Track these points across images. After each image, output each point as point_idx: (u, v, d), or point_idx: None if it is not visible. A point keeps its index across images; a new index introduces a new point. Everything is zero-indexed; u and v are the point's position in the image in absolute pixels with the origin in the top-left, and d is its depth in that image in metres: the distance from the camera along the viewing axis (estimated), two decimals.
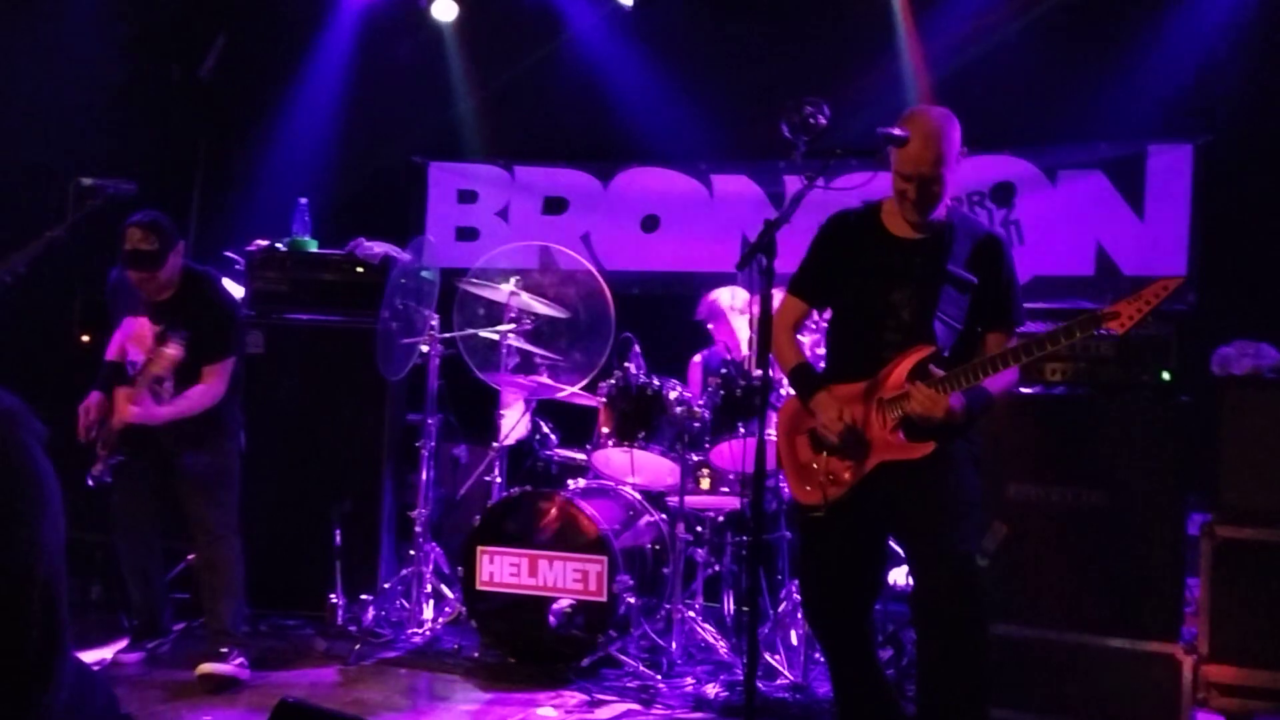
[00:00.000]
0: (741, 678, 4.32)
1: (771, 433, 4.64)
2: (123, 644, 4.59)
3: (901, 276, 3.28)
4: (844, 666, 3.43)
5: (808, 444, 3.38)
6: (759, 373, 3.09)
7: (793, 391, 3.51)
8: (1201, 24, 5.32)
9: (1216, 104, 5.29)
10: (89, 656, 4.40)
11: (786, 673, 4.42)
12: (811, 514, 3.32)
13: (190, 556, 5.11)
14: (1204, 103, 5.32)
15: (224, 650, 4.31)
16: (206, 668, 4.25)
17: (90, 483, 4.28)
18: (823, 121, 3.18)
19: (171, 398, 4.31)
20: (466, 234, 6.54)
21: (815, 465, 3.33)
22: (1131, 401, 4.13)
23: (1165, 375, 4.06)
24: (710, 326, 5.23)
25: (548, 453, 5.18)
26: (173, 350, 4.15)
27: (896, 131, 3.10)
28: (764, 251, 2.91)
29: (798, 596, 4.49)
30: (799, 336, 3.68)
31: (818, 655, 4.37)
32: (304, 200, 5.48)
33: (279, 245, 5.35)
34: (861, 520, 3.30)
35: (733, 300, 5.08)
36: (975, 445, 3.39)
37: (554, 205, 6.50)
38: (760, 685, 4.34)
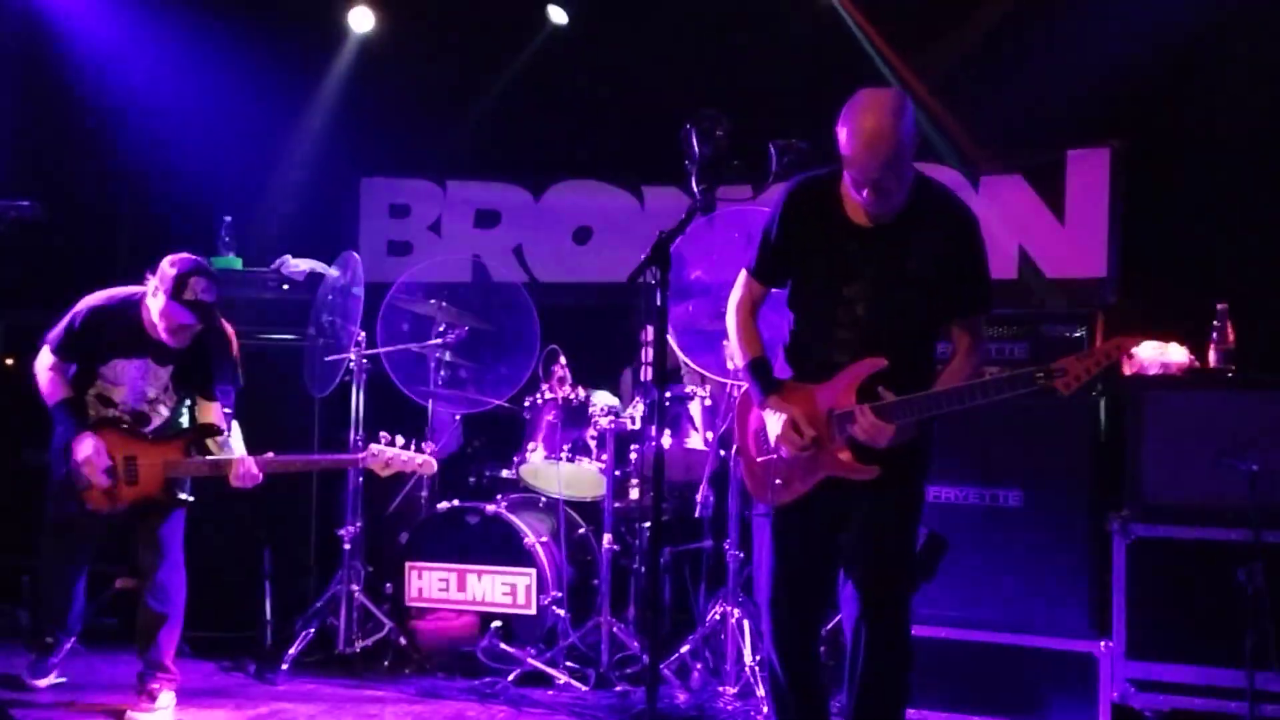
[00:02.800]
0: (671, 689, 4.36)
1: (708, 436, 4.71)
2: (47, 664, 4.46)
3: (858, 270, 3.10)
4: (785, 662, 3.30)
5: (761, 441, 3.26)
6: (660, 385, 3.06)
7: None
8: (1117, 29, 5.41)
9: (1132, 108, 5.37)
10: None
11: (717, 683, 4.43)
12: (760, 511, 3.29)
13: (119, 582, 5.08)
14: (1121, 107, 5.40)
15: (155, 687, 4.22)
16: (134, 718, 4.15)
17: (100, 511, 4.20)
18: (721, 133, 3.17)
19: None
20: (399, 248, 6.52)
21: (767, 465, 3.24)
22: (1047, 403, 4.19)
23: None
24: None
25: (477, 466, 5.17)
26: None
27: (797, 143, 3.11)
28: (657, 265, 2.91)
29: (727, 606, 4.53)
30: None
31: (747, 667, 4.40)
32: (228, 218, 5.44)
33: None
34: (810, 525, 3.23)
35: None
36: (925, 466, 3.25)
37: (486, 219, 6.51)
38: (687, 696, 4.38)
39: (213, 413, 4.30)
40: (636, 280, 3.00)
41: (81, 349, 4.27)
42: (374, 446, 4.32)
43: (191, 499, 4.28)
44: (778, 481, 3.16)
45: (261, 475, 4.23)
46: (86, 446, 4.13)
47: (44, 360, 4.28)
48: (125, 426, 4.23)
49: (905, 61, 5.71)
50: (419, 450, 4.36)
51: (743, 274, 3.36)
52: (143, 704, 4.19)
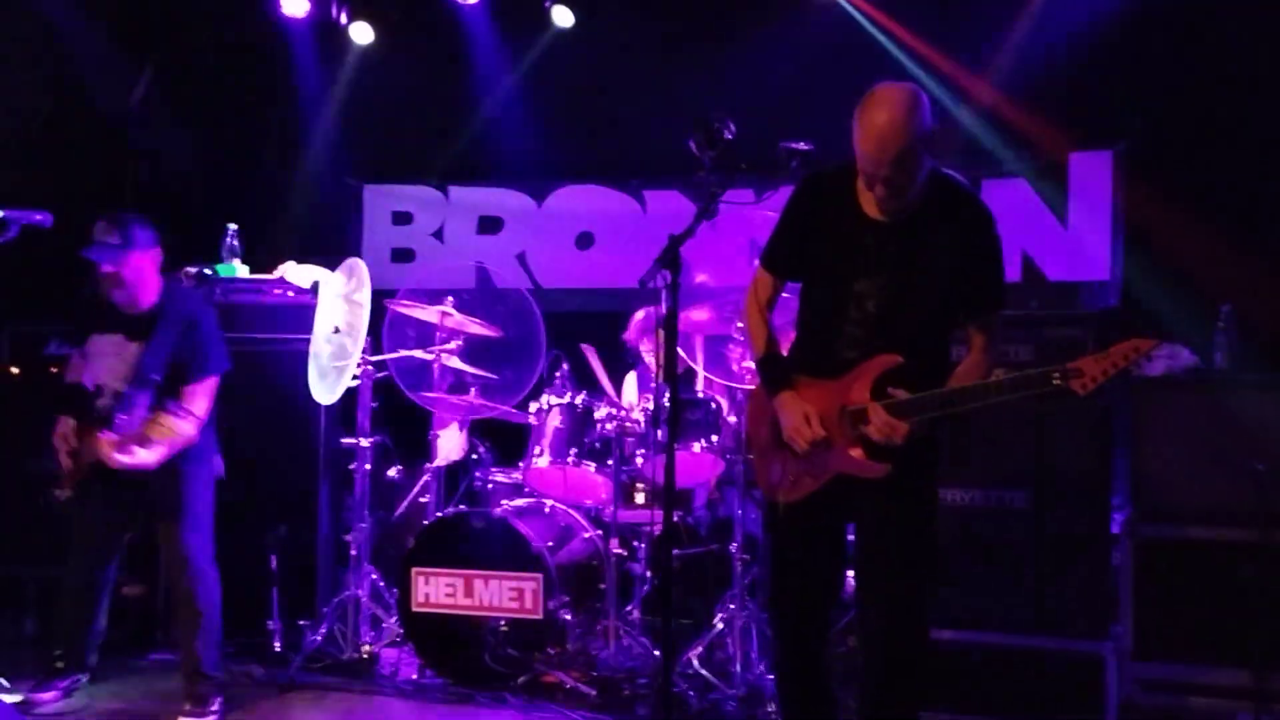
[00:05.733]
0: (679, 692, 4.36)
1: (715, 440, 4.71)
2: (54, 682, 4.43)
3: (869, 266, 3.06)
4: (795, 665, 3.30)
5: (772, 437, 3.22)
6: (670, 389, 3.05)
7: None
8: (1122, 33, 5.44)
9: (1134, 111, 5.39)
10: (16, 696, 4.32)
11: (723, 686, 4.43)
12: (772, 508, 3.27)
13: (126, 589, 5.08)
14: (1122, 110, 5.42)
15: (202, 693, 4.22)
16: None
17: (55, 499, 4.25)
18: (728, 135, 3.17)
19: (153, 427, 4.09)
20: (402, 255, 6.54)
21: (778, 463, 3.22)
22: (1052, 404, 4.20)
23: None
24: (641, 345, 5.27)
25: (482, 472, 5.18)
26: (179, 425, 4.03)
27: (801, 146, 3.11)
28: (668, 267, 2.91)
29: (733, 610, 4.53)
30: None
31: (755, 670, 4.40)
32: (233, 227, 5.45)
33: (206, 271, 5.32)
34: (820, 523, 3.21)
35: (646, 318, 5.13)
36: (935, 466, 3.21)
37: (489, 225, 6.52)
38: (693, 697, 4.38)
39: (183, 398, 4.18)
40: (646, 284, 2.99)
41: (78, 332, 4.33)
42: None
43: (64, 493, 4.26)
44: (789, 478, 3.16)
45: (118, 455, 4.04)
46: (58, 429, 4.27)
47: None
48: (86, 415, 4.23)
49: (912, 62, 5.73)
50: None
51: (757, 269, 3.33)
52: (192, 711, 4.19)
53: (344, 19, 6.26)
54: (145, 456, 4.05)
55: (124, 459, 4.03)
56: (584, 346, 5.27)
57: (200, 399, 4.22)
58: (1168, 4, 5.26)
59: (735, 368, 4.70)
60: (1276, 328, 4.57)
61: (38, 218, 3.59)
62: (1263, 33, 5.06)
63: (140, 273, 4.24)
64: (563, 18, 6.14)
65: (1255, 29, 5.07)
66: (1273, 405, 4.09)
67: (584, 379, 5.09)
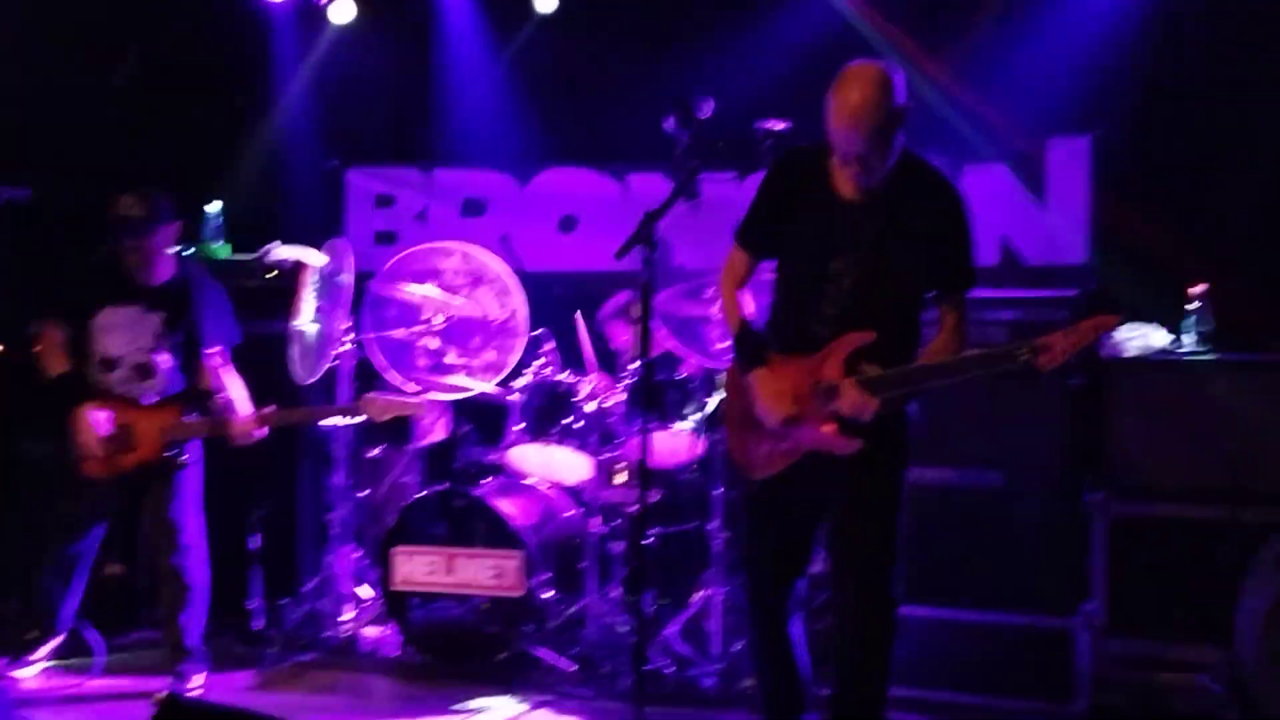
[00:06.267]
0: (658, 668, 4.40)
1: (687, 425, 4.75)
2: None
3: (843, 244, 3.09)
4: (767, 637, 3.36)
5: (747, 413, 3.25)
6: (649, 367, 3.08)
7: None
8: (1098, 20, 5.48)
9: (1113, 97, 5.44)
10: None
11: (702, 661, 4.48)
12: (746, 483, 3.32)
13: (107, 569, 5.09)
14: (1101, 96, 5.47)
15: (184, 669, 4.26)
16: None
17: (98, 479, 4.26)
18: (705, 115, 3.20)
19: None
20: (385, 238, 6.53)
21: (752, 437, 3.26)
22: (1026, 384, 4.25)
23: None
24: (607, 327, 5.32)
25: (464, 452, 5.20)
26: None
27: (778, 125, 3.15)
28: (644, 243, 2.94)
29: (712, 587, 4.58)
30: None
31: (734, 647, 4.45)
32: (215, 206, 5.46)
33: (189, 251, 5.32)
34: (794, 496, 3.25)
35: (613, 310, 5.18)
36: (907, 445, 3.26)
37: (473, 208, 6.52)
38: (674, 673, 4.43)
39: (208, 371, 4.33)
40: (622, 256, 3.03)
41: (73, 301, 4.35)
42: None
43: (186, 459, 4.30)
44: (763, 453, 3.20)
45: (264, 430, 4.27)
46: (83, 416, 4.21)
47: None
48: (121, 394, 4.28)
49: (892, 50, 5.75)
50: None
51: (732, 247, 3.36)
52: (174, 686, 4.22)
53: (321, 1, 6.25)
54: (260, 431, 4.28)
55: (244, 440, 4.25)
56: (576, 316, 5.31)
57: (230, 361, 4.37)
58: None
59: (713, 349, 4.74)
60: (1247, 309, 4.62)
61: (18, 194, 3.62)
62: (1238, 22, 5.11)
63: (164, 245, 4.33)
64: (545, 3, 6.15)
65: (1231, 20, 5.13)
66: (1243, 385, 4.14)
67: (568, 358, 5.11)
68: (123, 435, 4.24)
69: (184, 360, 4.33)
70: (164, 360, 4.30)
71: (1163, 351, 4.33)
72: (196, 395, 4.30)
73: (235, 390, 4.33)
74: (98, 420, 4.22)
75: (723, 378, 3.45)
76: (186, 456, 4.32)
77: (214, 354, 4.34)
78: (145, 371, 4.28)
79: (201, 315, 4.33)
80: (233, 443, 4.27)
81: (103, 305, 4.32)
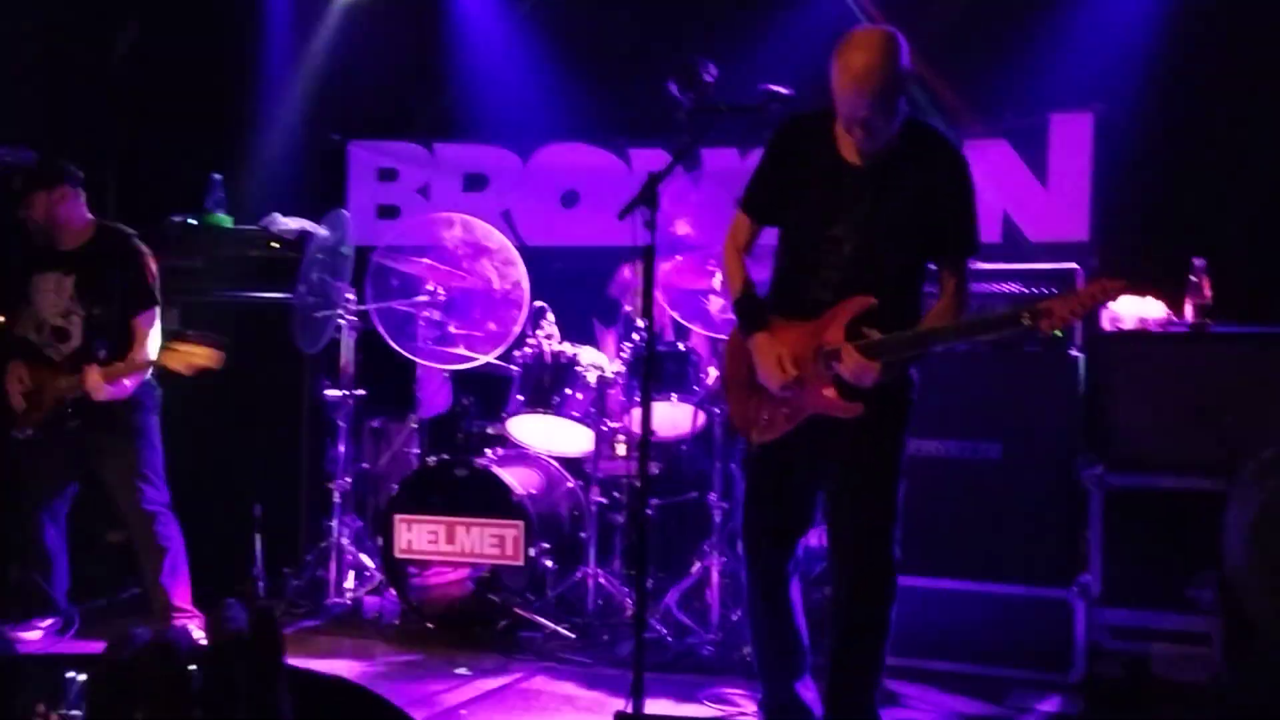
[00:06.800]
0: (657, 636, 4.43)
1: (695, 389, 4.77)
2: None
3: (846, 209, 3.10)
4: (766, 601, 3.37)
5: (749, 377, 3.26)
6: (650, 331, 3.08)
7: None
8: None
9: (1114, 75, 5.44)
10: None
11: (700, 630, 4.51)
12: (747, 446, 3.33)
13: (111, 536, 5.12)
14: (1103, 73, 5.47)
15: (178, 626, 4.26)
16: None
17: (18, 436, 4.37)
18: (708, 79, 3.20)
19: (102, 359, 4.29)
20: (387, 212, 6.54)
21: (753, 402, 3.27)
22: (1025, 357, 4.28)
23: (1057, 332, 4.19)
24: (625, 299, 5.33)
25: (466, 423, 5.22)
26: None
27: (781, 90, 3.15)
28: (646, 204, 2.95)
29: (711, 558, 4.60)
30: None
31: (732, 615, 4.48)
32: (218, 176, 5.47)
33: (191, 221, 5.35)
34: (794, 460, 3.26)
35: (634, 273, 5.17)
36: (907, 412, 3.27)
37: (474, 182, 6.53)
38: (673, 641, 4.47)
39: (133, 334, 4.35)
40: (625, 217, 3.04)
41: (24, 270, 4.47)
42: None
43: (75, 424, 4.34)
44: (764, 417, 3.22)
45: (115, 387, 4.25)
46: (8, 375, 4.42)
47: None
48: (46, 356, 4.39)
49: (893, 23, 5.75)
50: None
51: (736, 213, 3.37)
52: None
53: None
54: (125, 387, 4.25)
55: (107, 386, 4.21)
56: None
57: (151, 326, 4.36)
58: None
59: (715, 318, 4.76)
60: (1246, 281, 4.64)
61: (23, 155, 3.65)
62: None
63: (63, 210, 4.36)
64: None
65: None
66: (1241, 358, 4.16)
67: (568, 330, 5.12)
68: (34, 395, 4.39)
69: (110, 323, 4.36)
70: (74, 323, 4.36)
71: (1162, 323, 4.35)
72: (92, 356, 4.31)
73: (135, 351, 4.32)
74: (14, 379, 4.40)
75: (726, 342, 3.44)
76: (77, 422, 4.34)
77: (138, 318, 4.35)
78: (61, 334, 4.38)
79: (108, 273, 4.36)
80: (91, 398, 4.26)
81: (31, 271, 4.45)
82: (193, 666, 2.21)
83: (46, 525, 4.49)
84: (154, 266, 4.45)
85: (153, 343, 4.34)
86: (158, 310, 4.40)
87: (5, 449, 4.88)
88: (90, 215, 4.49)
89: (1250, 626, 3.50)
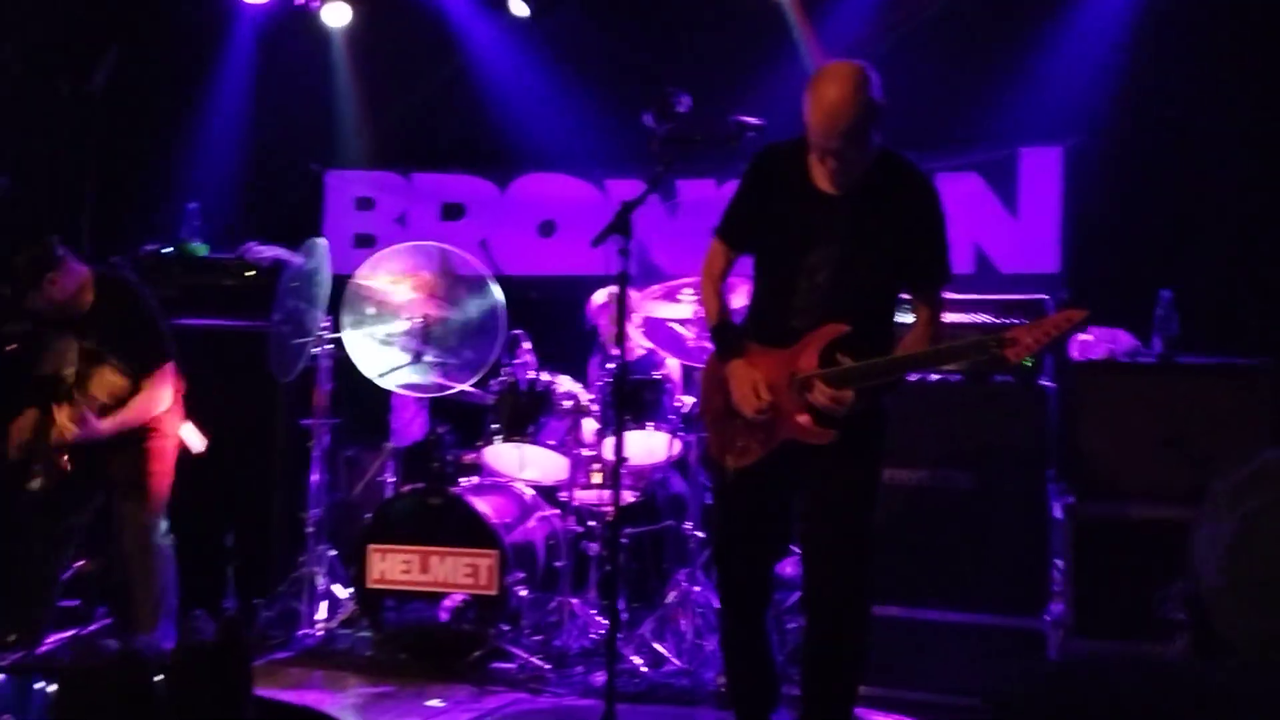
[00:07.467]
0: (631, 666, 4.42)
1: (670, 418, 4.78)
2: None
3: (820, 238, 3.15)
4: (739, 629, 3.38)
5: (724, 404, 3.29)
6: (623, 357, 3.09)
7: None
8: (1070, 33, 5.59)
9: (1083, 109, 5.53)
10: None
11: (674, 660, 4.50)
12: (722, 473, 3.34)
13: (88, 564, 5.07)
14: (1072, 107, 5.56)
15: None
16: None
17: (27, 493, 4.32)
18: (682, 109, 3.24)
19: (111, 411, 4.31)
20: (364, 241, 6.56)
21: (728, 429, 3.29)
22: (996, 387, 4.32)
23: (1028, 362, 4.24)
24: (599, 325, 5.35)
25: (441, 452, 5.22)
26: (111, 375, 4.22)
27: (753, 120, 3.19)
28: (620, 232, 2.98)
29: (686, 586, 4.61)
30: None
31: (706, 645, 4.47)
32: (193, 205, 5.47)
33: (166, 250, 5.35)
34: (768, 486, 3.28)
35: (607, 299, 5.19)
36: (881, 441, 3.29)
37: (452, 211, 6.56)
38: (647, 671, 4.46)
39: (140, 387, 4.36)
40: (599, 244, 3.06)
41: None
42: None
43: (36, 483, 4.34)
44: (739, 444, 3.24)
45: (86, 429, 4.25)
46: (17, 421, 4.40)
47: None
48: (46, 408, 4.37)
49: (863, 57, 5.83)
50: None
51: (712, 241, 3.41)
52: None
53: (314, 3, 6.27)
54: (97, 427, 4.24)
55: (75, 429, 4.21)
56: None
57: (156, 385, 4.37)
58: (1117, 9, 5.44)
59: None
60: (1213, 313, 4.71)
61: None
62: (1210, 33, 5.22)
63: (69, 282, 4.34)
64: (519, 8, 6.19)
65: (1203, 32, 5.24)
66: (1208, 388, 4.21)
67: (544, 359, 5.13)
68: (33, 444, 4.37)
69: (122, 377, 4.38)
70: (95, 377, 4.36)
71: (1130, 354, 4.40)
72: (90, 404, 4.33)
73: (133, 402, 4.35)
74: (17, 429, 4.38)
75: (703, 369, 3.46)
76: (36, 482, 4.34)
77: (151, 373, 4.38)
78: (78, 390, 4.36)
79: (127, 340, 4.38)
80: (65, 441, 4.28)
81: (48, 333, 4.44)
82: (159, 677, 2.20)
83: (50, 565, 4.47)
84: (159, 316, 4.47)
85: (153, 402, 4.37)
86: (168, 368, 4.42)
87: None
88: (83, 268, 4.42)
89: (1220, 644, 3.52)
